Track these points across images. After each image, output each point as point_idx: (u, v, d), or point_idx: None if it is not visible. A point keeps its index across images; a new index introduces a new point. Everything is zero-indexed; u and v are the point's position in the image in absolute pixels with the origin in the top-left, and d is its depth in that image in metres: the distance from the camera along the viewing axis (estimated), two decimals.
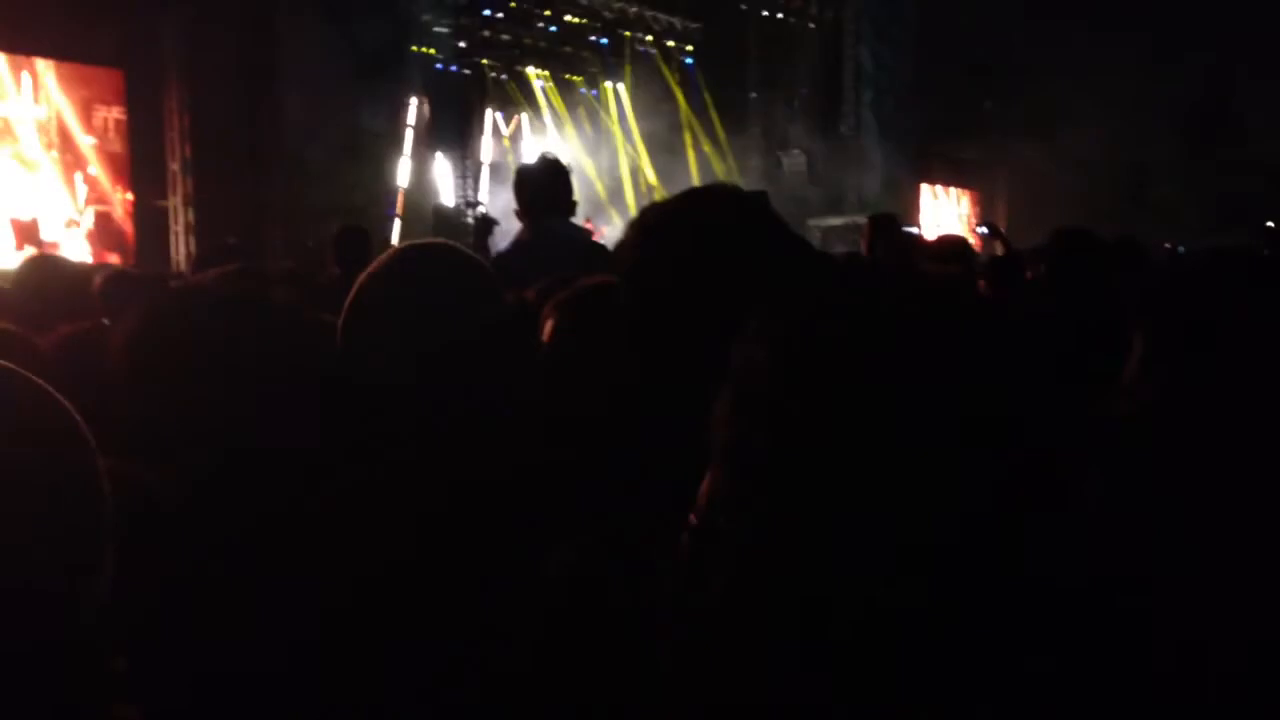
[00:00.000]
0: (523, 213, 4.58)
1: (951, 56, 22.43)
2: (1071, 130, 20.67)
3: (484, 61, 18.24)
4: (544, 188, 4.54)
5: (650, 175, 20.50)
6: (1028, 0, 21.64)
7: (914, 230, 16.24)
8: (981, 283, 5.11)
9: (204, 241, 12.63)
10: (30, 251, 11.57)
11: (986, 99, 23.86)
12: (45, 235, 12.11)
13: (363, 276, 1.84)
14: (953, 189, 25.53)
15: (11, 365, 0.93)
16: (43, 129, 12.23)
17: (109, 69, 12.78)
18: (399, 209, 15.05)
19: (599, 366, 1.65)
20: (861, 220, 11.90)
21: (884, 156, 22.17)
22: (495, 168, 18.78)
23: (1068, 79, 21.05)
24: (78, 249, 12.25)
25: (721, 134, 21.55)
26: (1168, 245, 12.91)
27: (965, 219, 25.15)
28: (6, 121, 11.92)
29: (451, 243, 1.99)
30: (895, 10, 22.17)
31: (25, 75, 12.05)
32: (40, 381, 0.94)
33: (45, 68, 12.18)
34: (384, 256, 1.89)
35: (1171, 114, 22.50)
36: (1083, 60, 21.22)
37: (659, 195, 19.66)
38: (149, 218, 13.07)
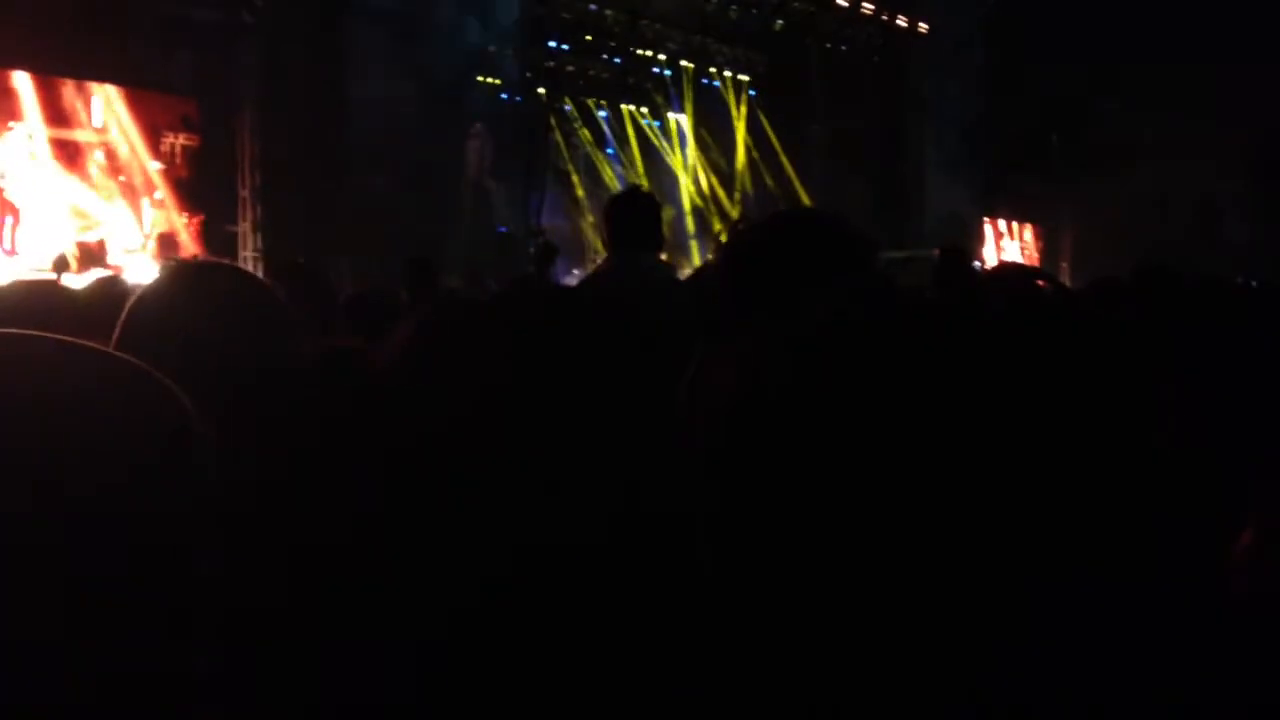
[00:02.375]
0: (608, 243, 4.52)
1: (1018, 90, 22.29)
2: (1139, 165, 20.44)
3: (548, 92, 18.41)
4: (631, 220, 4.45)
5: (712, 206, 20.54)
6: (1095, 35, 21.46)
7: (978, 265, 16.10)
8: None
9: (272, 266, 12.84)
10: (98, 273, 11.84)
11: (1053, 133, 23.66)
12: (111, 258, 12.37)
13: (135, 296, 1.66)
14: (1017, 223, 25.32)
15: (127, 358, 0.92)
16: (110, 154, 12.52)
17: (180, 97, 13.08)
18: (462, 237, 15.19)
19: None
20: (924, 254, 11.83)
21: (948, 190, 22.04)
22: (557, 197, 18.91)
23: (1135, 114, 20.84)
24: (142, 272, 12.49)
25: (785, 165, 21.55)
26: (1239, 280, 12.67)
27: (1029, 254, 24.92)
28: (75, 146, 12.22)
29: (240, 269, 1.77)
30: (961, 44, 22.09)
31: (95, 101, 12.36)
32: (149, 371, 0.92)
33: (115, 94, 12.49)
34: (161, 274, 1.69)
35: (1241, 149, 22.17)
36: (1151, 95, 21.01)
37: (717, 228, 19.73)
38: (218, 243, 13.31)
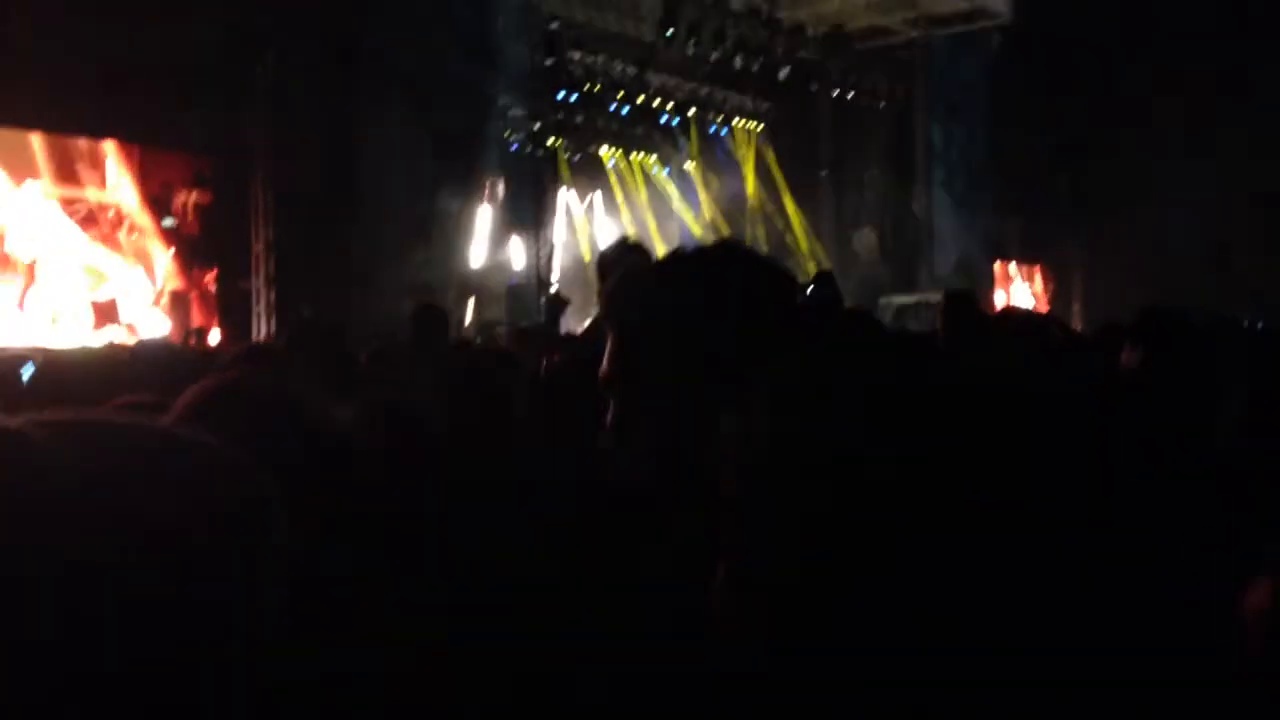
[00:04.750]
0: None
1: (1025, 133, 22.37)
2: (1148, 204, 20.45)
3: (558, 142, 18.55)
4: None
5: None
6: (1102, 75, 21.56)
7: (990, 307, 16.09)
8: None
9: (285, 321, 12.92)
10: (110, 331, 11.94)
11: (1061, 175, 23.71)
12: (123, 316, 12.47)
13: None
14: (1027, 265, 25.32)
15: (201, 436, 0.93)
16: (122, 211, 12.64)
17: (193, 154, 13.23)
18: (473, 287, 15.26)
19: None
20: (935, 298, 11.85)
21: (957, 233, 22.08)
22: (568, 247, 19.01)
23: (1144, 153, 20.89)
24: (155, 328, 12.58)
25: (793, 212, 21.65)
26: (1246, 323, 12.64)
27: (1040, 296, 24.90)
28: (87, 204, 12.34)
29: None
30: (967, 87, 22.21)
31: (108, 158, 12.50)
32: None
33: (128, 153, 12.63)
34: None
35: (1252, 187, 22.17)
36: (1159, 133, 21.07)
37: None
38: (232, 298, 13.40)
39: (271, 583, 0.89)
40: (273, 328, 13.08)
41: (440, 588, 1.62)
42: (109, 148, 12.50)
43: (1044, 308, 23.14)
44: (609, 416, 1.52)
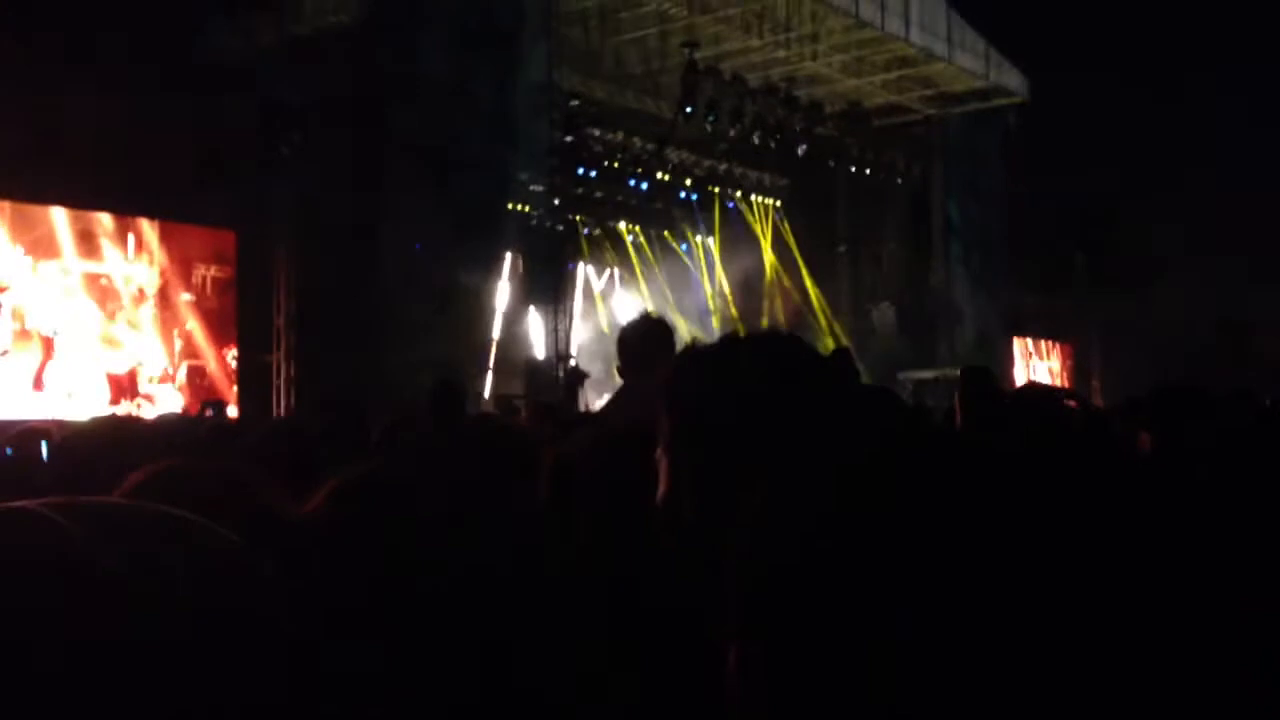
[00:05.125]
0: (622, 369, 4.52)
1: (1042, 210, 22.47)
2: (1165, 280, 20.46)
3: (577, 217, 18.71)
4: (643, 347, 4.45)
5: (740, 329, 20.65)
6: (1116, 152, 21.70)
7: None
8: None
9: (305, 394, 12.97)
10: (126, 405, 12.01)
11: (1078, 251, 23.77)
12: (141, 388, 12.55)
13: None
14: (1045, 341, 25.29)
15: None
16: (143, 286, 12.77)
17: (216, 229, 13.39)
18: (491, 362, 15.32)
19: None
20: (953, 373, 11.82)
21: (975, 309, 22.09)
22: (586, 321, 19.09)
23: (1160, 229, 20.94)
24: (172, 402, 12.65)
25: (811, 287, 21.72)
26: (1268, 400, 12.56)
27: (1058, 373, 24.83)
28: (109, 279, 12.47)
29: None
30: (983, 164, 22.36)
31: (129, 234, 12.65)
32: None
33: (149, 227, 12.79)
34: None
35: (1269, 262, 22.17)
36: (1175, 209, 21.13)
37: None
38: (251, 372, 13.47)
39: (271, 664, 0.90)
40: (293, 402, 13.13)
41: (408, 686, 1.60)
42: (132, 223, 12.66)
43: (1064, 384, 23.09)
44: (661, 492, 1.54)
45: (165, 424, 5.33)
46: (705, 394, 1.53)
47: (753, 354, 1.59)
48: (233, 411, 12.72)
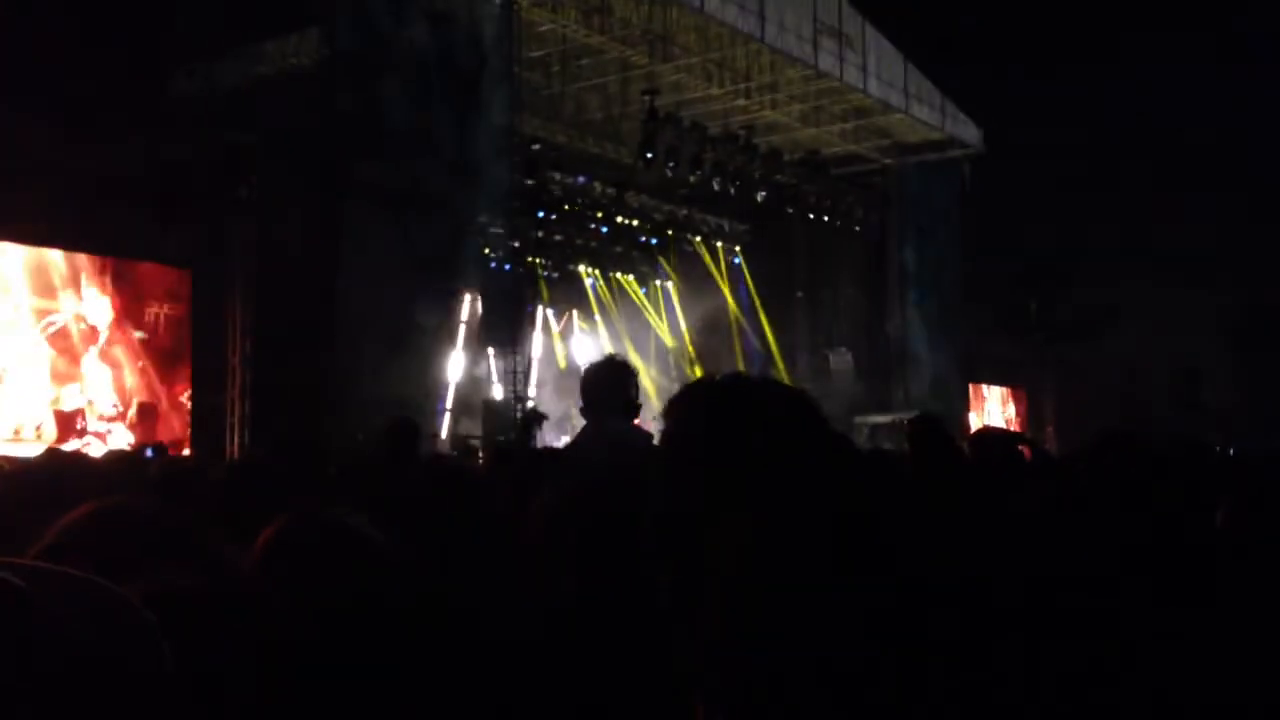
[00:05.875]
0: (586, 410, 4.57)
1: (996, 258, 22.77)
2: (1119, 329, 20.75)
3: (537, 260, 18.74)
4: (606, 387, 4.48)
5: (698, 372, 20.72)
6: (1070, 202, 22.05)
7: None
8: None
9: (259, 434, 12.86)
10: (74, 443, 11.85)
11: (1032, 300, 24.07)
12: (91, 426, 12.39)
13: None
14: (1000, 388, 25.53)
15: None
16: (95, 324, 12.64)
17: (170, 267, 13.30)
18: (449, 403, 15.25)
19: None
20: (907, 417, 11.91)
21: (931, 355, 22.28)
22: (545, 363, 19.07)
23: (1113, 279, 21.25)
24: (120, 440, 12.50)
25: (769, 332, 21.85)
26: (1218, 448, 12.75)
27: (1013, 420, 25.05)
28: (61, 315, 12.33)
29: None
30: (939, 213, 22.64)
31: (83, 272, 12.53)
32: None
33: (102, 265, 12.68)
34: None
35: (1220, 313, 22.56)
36: (1128, 260, 21.47)
37: None
38: (204, 411, 13.34)
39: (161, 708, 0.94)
40: (246, 441, 13.00)
41: None
42: (84, 260, 12.55)
43: (1018, 429, 23.28)
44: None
45: (111, 461, 5.25)
46: (715, 433, 1.52)
47: (766, 396, 1.59)
48: (186, 450, 12.58)
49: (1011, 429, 22.14)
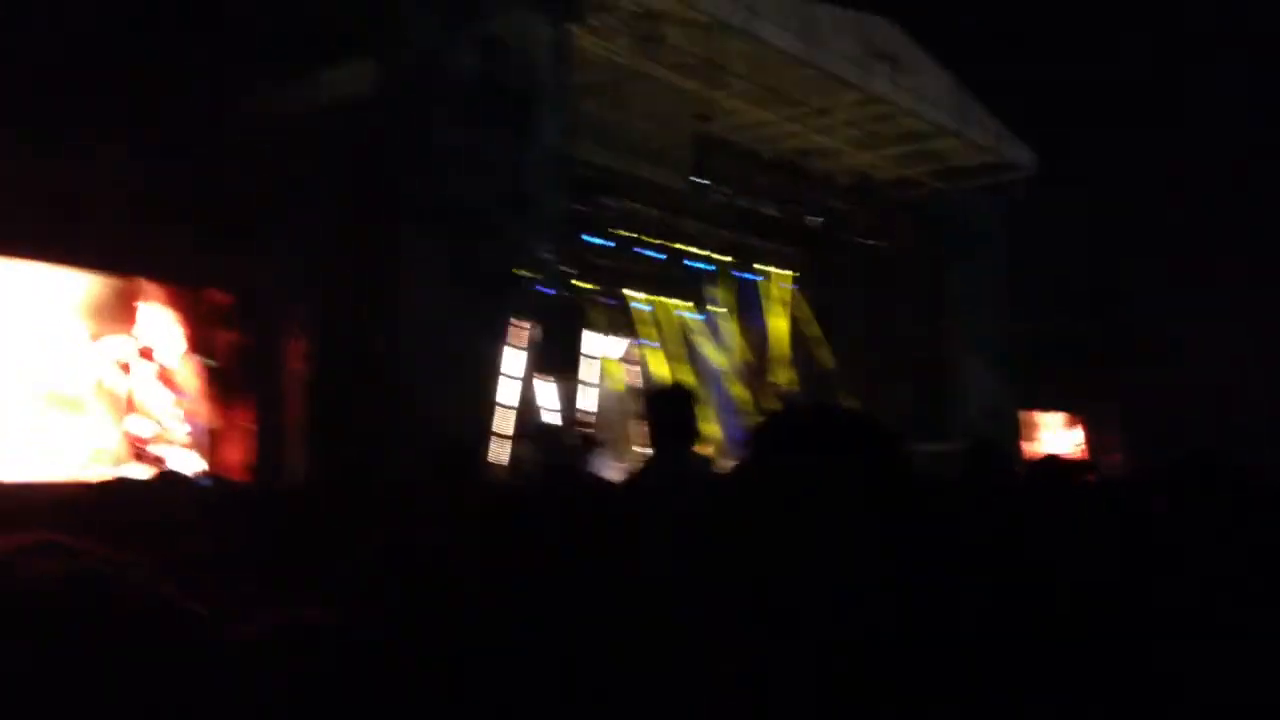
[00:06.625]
0: (652, 434, 4.64)
1: (1052, 282, 22.51)
2: (1183, 353, 20.40)
3: (589, 286, 18.77)
4: (669, 414, 4.56)
5: (751, 397, 20.63)
6: (1128, 224, 21.77)
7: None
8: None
9: (316, 458, 12.95)
10: (141, 469, 11.99)
11: (1091, 323, 23.75)
12: (156, 450, 12.54)
13: None
14: (1060, 415, 25.19)
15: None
16: (158, 350, 12.80)
17: (226, 294, 13.45)
18: (504, 429, 15.27)
19: None
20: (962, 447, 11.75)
21: (985, 381, 22.04)
22: (599, 388, 19.07)
23: (1175, 301, 20.92)
24: (182, 464, 12.63)
25: (822, 357, 21.73)
26: None
27: (1075, 445, 24.70)
28: (128, 342, 12.51)
29: None
30: (994, 237, 22.43)
31: (148, 298, 12.70)
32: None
33: (165, 292, 12.84)
34: None
35: None
36: (1189, 281, 21.13)
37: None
38: (266, 436, 13.46)
39: None
40: (300, 465, 13.09)
41: None
42: (148, 286, 12.73)
43: (1081, 457, 22.95)
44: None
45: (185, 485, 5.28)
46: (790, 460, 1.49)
47: (842, 424, 1.55)
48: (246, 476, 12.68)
49: (1076, 457, 21.84)
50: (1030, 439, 23.71)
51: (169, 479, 6.19)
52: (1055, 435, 24.81)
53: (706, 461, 5.74)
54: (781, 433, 1.55)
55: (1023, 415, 23.60)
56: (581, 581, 2.05)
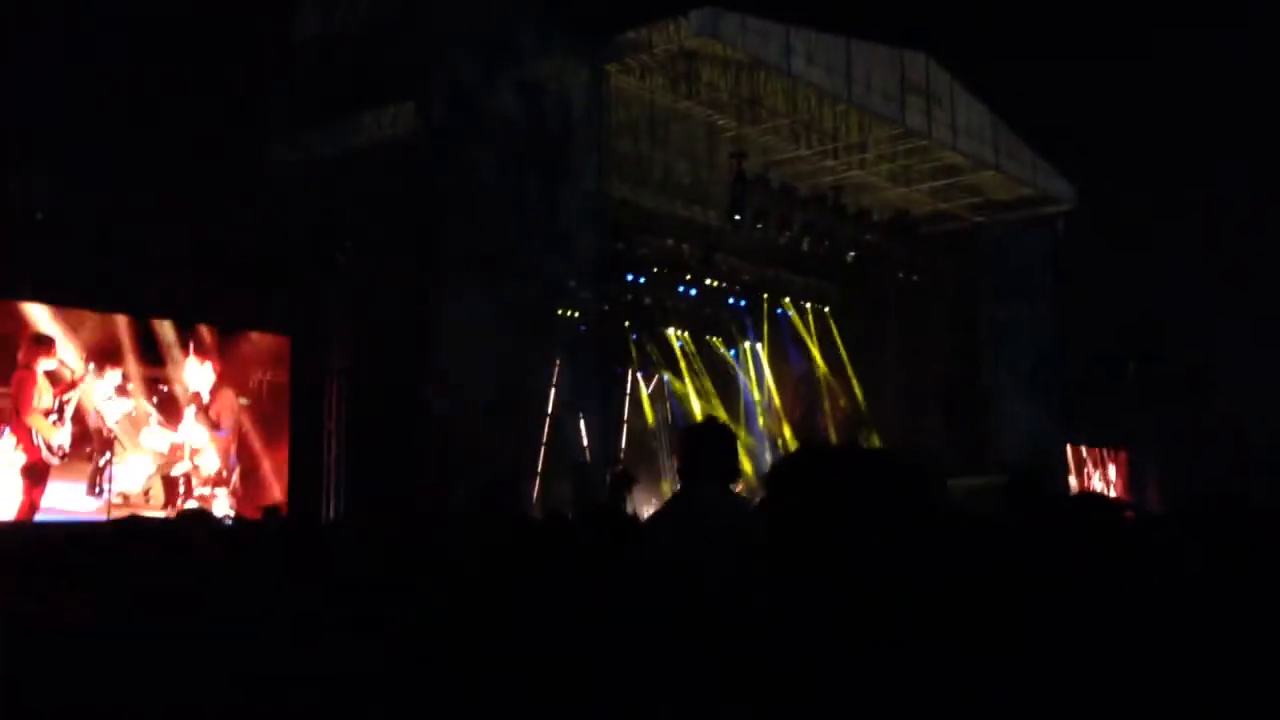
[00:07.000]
0: (682, 474, 4.52)
1: (1092, 316, 22.34)
2: (1220, 390, 20.18)
3: (626, 323, 18.84)
4: (704, 451, 4.39)
5: (788, 433, 20.59)
6: (1168, 258, 21.61)
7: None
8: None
9: (355, 497, 13.06)
10: (183, 506, 12.12)
11: (1131, 358, 23.54)
12: (195, 491, 12.67)
13: None
14: (1100, 449, 24.93)
15: None
16: (198, 391, 12.93)
17: (272, 335, 13.61)
18: (541, 466, 15.33)
19: None
20: (1000, 481, 11.68)
21: (1026, 416, 21.85)
22: (634, 426, 19.09)
23: (1213, 338, 20.72)
24: (224, 505, 12.76)
25: (859, 392, 21.66)
26: None
27: (1114, 483, 24.44)
28: (168, 383, 12.64)
29: None
30: (1032, 270, 22.32)
31: (187, 341, 12.86)
32: None
33: (206, 334, 13.00)
34: None
35: None
36: (1228, 318, 20.93)
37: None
38: (302, 475, 13.58)
39: None
40: (342, 505, 13.20)
41: None
42: (189, 328, 12.88)
43: (1120, 494, 22.72)
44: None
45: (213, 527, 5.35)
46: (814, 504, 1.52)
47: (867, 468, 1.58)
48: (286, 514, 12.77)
49: (1113, 494, 21.62)
50: (1074, 474, 23.48)
51: (192, 518, 6.28)
52: (1094, 470, 24.56)
53: (740, 499, 5.65)
54: (800, 479, 1.58)
55: (1062, 449, 23.38)
56: (606, 620, 2.10)
